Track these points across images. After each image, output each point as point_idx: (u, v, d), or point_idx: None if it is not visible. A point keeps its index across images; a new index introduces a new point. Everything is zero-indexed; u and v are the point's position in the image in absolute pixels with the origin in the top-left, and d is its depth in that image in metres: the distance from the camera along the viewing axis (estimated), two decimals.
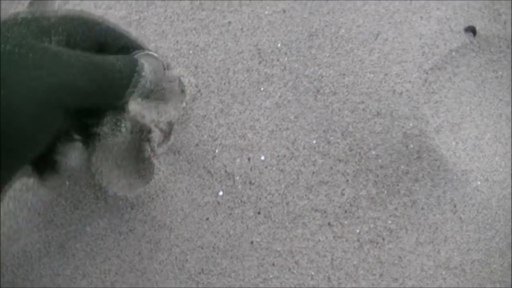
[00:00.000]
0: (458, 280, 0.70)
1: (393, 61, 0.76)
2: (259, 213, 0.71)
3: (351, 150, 0.73)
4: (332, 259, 0.70)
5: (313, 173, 0.72)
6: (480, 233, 0.72)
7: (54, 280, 0.72)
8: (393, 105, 0.74)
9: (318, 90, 0.75)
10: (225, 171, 0.73)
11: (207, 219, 0.72)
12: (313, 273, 0.70)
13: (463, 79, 0.77)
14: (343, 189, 0.72)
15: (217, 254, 0.71)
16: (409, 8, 0.79)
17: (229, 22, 0.79)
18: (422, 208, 0.72)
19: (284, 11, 0.79)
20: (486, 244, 0.72)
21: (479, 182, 0.73)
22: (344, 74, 0.75)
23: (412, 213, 0.72)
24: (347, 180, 0.72)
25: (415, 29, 0.78)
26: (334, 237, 0.71)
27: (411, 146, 0.73)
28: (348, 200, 0.72)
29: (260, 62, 0.77)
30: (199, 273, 0.70)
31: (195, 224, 0.72)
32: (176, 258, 0.71)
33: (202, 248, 0.71)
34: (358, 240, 0.71)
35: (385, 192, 0.72)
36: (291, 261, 0.70)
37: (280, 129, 0.74)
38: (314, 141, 0.73)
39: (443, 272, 0.70)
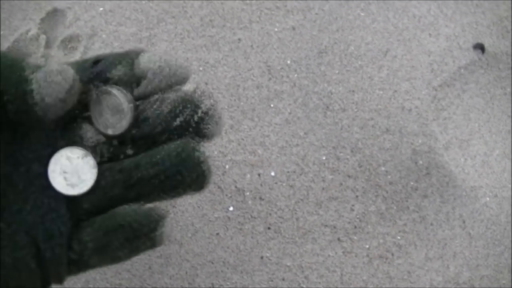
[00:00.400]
0: None
1: (402, 78, 0.76)
2: (269, 228, 0.72)
3: (360, 166, 0.73)
4: (341, 274, 0.70)
5: (323, 189, 0.73)
6: (489, 249, 0.72)
7: None
8: (402, 122, 0.74)
9: (327, 107, 0.75)
10: (236, 187, 0.73)
11: (218, 234, 0.72)
12: None
13: (471, 96, 0.78)
14: (353, 205, 0.72)
15: (227, 269, 0.71)
16: (418, 25, 0.79)
17: (239, 39, 0.79)
18: (431, 224, 0.72)
19: (293, 28, 0.79)
20: (495, 259, 0.72)
21: (488, 198, 0.74)
22: (353, 91, 0.76)
23: (421, 228, 0.72)
24: (357, 196, 0.72)
25: (424, 46, 0.78)
26: (343, 252, 0.71)
27: (420, 162, 0.73)
28: (358, 216, 0.72)
29: (270, 79, 0.77)
30: None
31: (205, 239, 0.72)
32: (186, 273, 0.71)
33: (212, 263, 0.71)
34: (368, 256, 0.71)
35: (395, 208, 0.72)
36: (301, 276, 0.70)
37: (290, 145, 0.74)
38: (324, 157, 0.74)
39: None
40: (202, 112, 0.49)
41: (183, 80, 0.49)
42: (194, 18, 0.81)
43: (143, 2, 0.82)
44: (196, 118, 0.49)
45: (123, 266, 0.72)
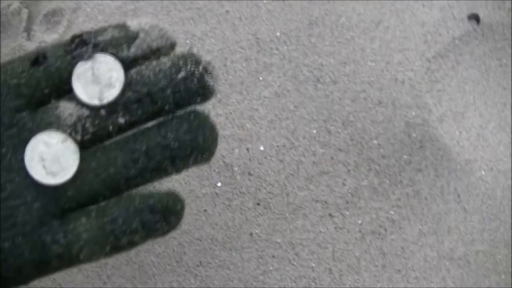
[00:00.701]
0: (462, 271, 0.69)
1: (395, 49, 0.75)
2: (258, 204, 0.70)
3: (352, 140, 0.72)
4: (333, 251, 0.69)
5: (314, 163, 0.71)
6: (484, 223, 0.71)
7: None
8: (395, 94, 0.73)
9: (318, 79, 0.74)
10: (224, 162, 0.71)
11: (205, 210, 0.70)
12: (314, 265, 0.69)
13: (466, 68, 0.76)
14: (344, 179, 0.71)
15: (216, 246, 0.69)
16: None
17: (227, 11, 0.78)
18: (425, 198, 0.70)
19: None
20: (491, 234, 0.71)
21: (483, 172, 0.72)
22: (344, 63, 0.74)
23: (415, 203, 0.70)
24: (349, 170, 0.71)
25: (417, 17, 0.77)
26: (335, 228, 0.70)
27: (414, 135, 0.71)
28: (350, 191, 0.70)
29: (258, 51, 0.75)
30: (197, 266, 0.69)
31: (193, 216, 0.70)
32: (173, 250, 0.70)
33: (200, 240, 0.70)
34: (360, 231, 0.69)
35: (387, 182, 0.71)
36: (291, 253, 0.69)
37: (279, 119, 0.72)
38: (314, 131, 0.72)
39: (447, 263, 0.69)
40: (203, 66, 0.47)
41: (173, 43, 0.48)
42: None
43: None
44: (199, 70, 0.46)
45: None
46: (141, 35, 0.46)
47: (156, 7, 0.79)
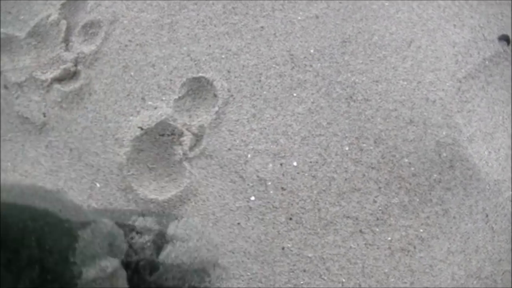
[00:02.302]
0: None
1: (427, 69, 0.76)
2: (290, 219, 0.71)
3: (383, 158, 0.73)
4: (363, 267, 0.70)
5: (345, 179, 0.72)
6: None
7: None
8: (426, 113, 0.73)
9: (351, 97, 0.75)
10: (257, 176, 0.73)
11: (239, 224, 0.72)
12: (344, 280, 0.70)
13: (496, 88, 0.77)
14: (375, 197, 0.72)
15: (248, 259, 0.71)
16: (442, 16, 0.78)
17: (262, 27, 0.79)
18: (454, 217, 0.71)
19: (317, 17, 0.79)
20: None
21: (511, 192, 0.73)
22: (377, 81, 0.75)
23: (444, 222, 0.71)
24: (380, 188, 0.72)
25: (448, 37, 0.77)
26: (365, 244, 0.71)
27: (444, 154, 0.72)
28: (380, 208, 0.71)
29: (293, 68, 0.76)
30: (230, 278, 0.70)
31: (227, 229, 0.72)
32: None
33: (233, 252, 0.71)
34: (390, 248, 0.71)
35: (417, 200, 0.72)
36: (322, 268, 0.70)
37: (312, 135, 0.74)
38: (347, 148, 0.73)
39: (474, 282, 0.70)
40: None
41: None
42: (216, 5, 0.80)
43: None
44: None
45: None
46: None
47: (192, 21, 0.80)
